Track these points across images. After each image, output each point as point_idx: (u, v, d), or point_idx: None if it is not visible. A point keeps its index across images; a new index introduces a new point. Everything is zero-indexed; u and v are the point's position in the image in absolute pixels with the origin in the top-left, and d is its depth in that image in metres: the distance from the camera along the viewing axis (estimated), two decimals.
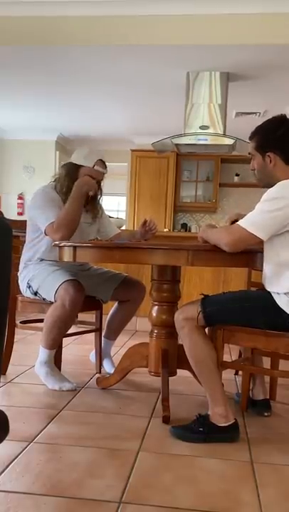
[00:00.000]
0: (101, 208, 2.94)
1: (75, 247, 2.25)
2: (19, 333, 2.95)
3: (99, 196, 2.86)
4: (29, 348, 3.37)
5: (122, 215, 7.93)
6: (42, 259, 2.73)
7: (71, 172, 2.71)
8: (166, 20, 3.96)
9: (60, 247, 2.33)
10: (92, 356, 3.03)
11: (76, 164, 2.72)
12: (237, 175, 7.44)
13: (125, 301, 2.87)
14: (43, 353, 2.61)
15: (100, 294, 2.81)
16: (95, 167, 2.70)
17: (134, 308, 2.89)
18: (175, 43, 4.03)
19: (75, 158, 2.74)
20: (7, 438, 1.05)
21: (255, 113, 5.84)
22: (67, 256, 2.28)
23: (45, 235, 2.61)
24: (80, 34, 4.07)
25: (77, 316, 2.66)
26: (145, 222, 2.84)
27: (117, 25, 4.01)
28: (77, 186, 2.62)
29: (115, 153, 7.51)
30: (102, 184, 2.82)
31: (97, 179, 2.74)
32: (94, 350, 3.00)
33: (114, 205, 8.31)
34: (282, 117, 2.04)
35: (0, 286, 1.01)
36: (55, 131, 7.41)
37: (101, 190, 2.84)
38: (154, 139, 4.99)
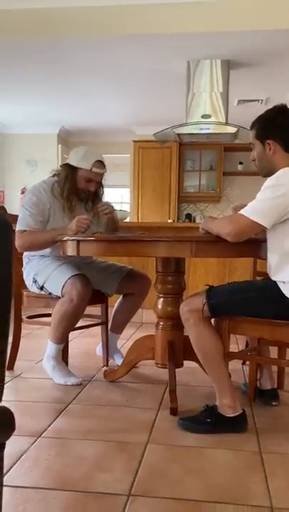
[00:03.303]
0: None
1: (78, 241, 2.24)
2: (25, 328, 2.95)
3: (101, 193, 2.83)
4: (36, 342, 3.37)
5: (126, 208, 7.87)
6: (42, 255, 2.71)
7: (69, 175, 2.67)
8: (165, 8, 3.91)
9: (63, 241, 2.33)
10: (99, 349, 3.04)
11: (74, 166, 2.67)
12: (241, 163, 7.38)
13: (130, 294, 2.86)
14: (50, 348, 2.62)
15: (105, 288, 2.81)
16: (93, 169, 2.65)
17: (139, 301, 2.88)
18: (174, 31, 3.98)
19: (73, 160, 2.69)
20: (15, 433, 1.05)
21: (257, 100, 5.78)
22: (70, 250, 2.28)
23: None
24: (79, 25, 4.03)
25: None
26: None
27: (116, 15, 3.98)
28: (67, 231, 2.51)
29: (117, 145, 7.47)
30: (102, 182, 2.78)
31: (96, 180, 2.71)
32: (100, 344, 3.00)
33: (118, 197, 8.25)
34: (283, 106, 2.08)
35: (2, 281, 1.01)
36: (56, 124, 7.38)
37: (102, 186, 2.81)
38: (155, 130, 4.96)
